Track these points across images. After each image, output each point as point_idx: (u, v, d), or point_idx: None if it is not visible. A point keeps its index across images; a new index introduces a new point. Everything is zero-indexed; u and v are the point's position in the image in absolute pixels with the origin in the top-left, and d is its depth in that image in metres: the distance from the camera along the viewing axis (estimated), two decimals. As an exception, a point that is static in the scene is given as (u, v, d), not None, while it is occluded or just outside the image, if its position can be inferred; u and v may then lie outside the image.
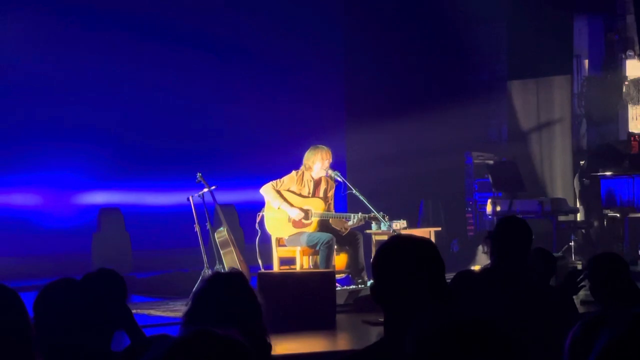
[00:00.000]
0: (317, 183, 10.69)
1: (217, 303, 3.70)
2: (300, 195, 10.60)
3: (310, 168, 10.60)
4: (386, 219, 10.58)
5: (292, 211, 10.48)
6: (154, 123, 14.71)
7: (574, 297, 6.06)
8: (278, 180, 10.63)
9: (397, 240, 3.38)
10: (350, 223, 10.56)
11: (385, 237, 10.91)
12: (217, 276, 3.93)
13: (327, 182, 10.74)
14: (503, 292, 4.86)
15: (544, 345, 4.49)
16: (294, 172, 10.69)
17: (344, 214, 10.86)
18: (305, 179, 10.62)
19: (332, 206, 10.74)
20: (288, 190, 10.60)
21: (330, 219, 10.62)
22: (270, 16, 15.58)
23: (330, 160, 10.62)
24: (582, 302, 7.74)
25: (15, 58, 13.82)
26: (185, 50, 15.09)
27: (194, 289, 3.85)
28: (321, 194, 10.67)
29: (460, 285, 5.12)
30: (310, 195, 10.63)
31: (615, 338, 1.97)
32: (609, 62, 16.46)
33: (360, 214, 10.59)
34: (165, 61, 14.93)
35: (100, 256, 13.18)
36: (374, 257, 3.30)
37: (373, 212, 10.53)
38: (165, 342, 2.01)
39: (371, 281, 10.17)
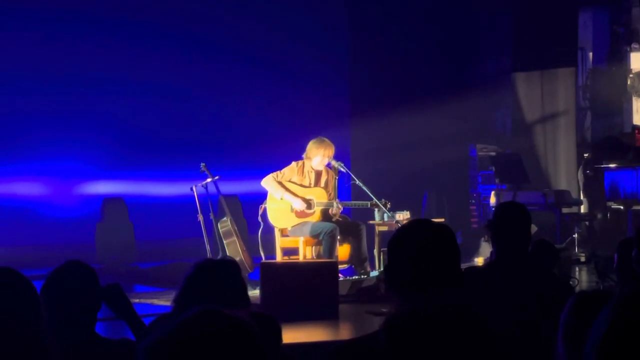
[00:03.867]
0: (318, 173, 10.70)
1: (204, 289, 3.71)
2: (301, 185, 10.60)
3: (309, 159, 10.61)
4: (388, 206, 10.58)
5: (296, 202, 10.48)
6: (158, 113, 14.70)
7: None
8: (278, 171, 10.64)
9: (415, 223, 3.37)
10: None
11: (387, 228, 10.96)
12: (208, 262, 3.94)
13: (328, 172, 10.76)
14: (508, 283, 4.83)
15: (546, 335, 4.48)
16: (294, 163, 10.69)
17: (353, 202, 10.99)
18: (306, 169, 10.63)
19: (332, 196, 10.74)
20: (289, 181, 10.61)
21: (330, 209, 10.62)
22: (274, 8, 15.56)
23: (331, 156, 10.61)
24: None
25: (18, 46, 13.82)
26: (190, 41, 15.07)
27: (185, 273, 3.84)
28: (322, 184, 10.68)
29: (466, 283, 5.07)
30: (311, 185, 10.64)
31: (622, 319, 1.97)
32: (614, 55, 16.42)
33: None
34: (170, 52, 14.92)
35: (103, 246, 13.19)
36: (391, 238, 3.27)
37: (375, 200, 10.53)
38: (171, 320, 2.00)
39: (374, 272, 10.23)
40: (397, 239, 3.25)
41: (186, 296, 3.75)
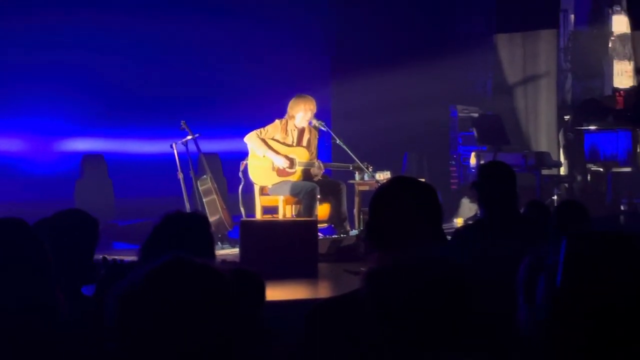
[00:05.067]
0: (301, 132, 10.69)
1: (170, 239, 3.71)
2: (284, 144, 10.59)
3: (292, 117, 10.59)
4: (370, 169, 10.60)
5: (278, 159, 10.47)
6: (139, 70, 14.61)
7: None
8: (262, 128, 10.62)
9: (398, 180, 3.36)
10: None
11: (367, 188, 10.98)
12: (177, 214, 3.94)
13: (311, 131, 10.74)
14: (498, 240, 4.82)
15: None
16: (277, 120, 10.67)
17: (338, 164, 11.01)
18: (289, 127, 10.61)
19: (315, 155, 10.74)
20: (272, 139, 10.59)
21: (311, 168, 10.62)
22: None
23: (314, 110, 10.59)
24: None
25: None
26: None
27: (154, 223, 3.86)
28: (305, 143, 10.67)
29: (454, 241, 5.08)
30: (294, 144, 10.62)
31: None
32: (596, 17, 16.42)
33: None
34: (150, 9, 14.79)
35: (83, 203, 13.11)
36: (374, 194, 3.26)
37: (357, 162, 10.55)
38: (140, 269, 2.00)
39: (354, 231, 10.25)
40: (380, 195, 3.24)
41: (152, 245, 3.77)
